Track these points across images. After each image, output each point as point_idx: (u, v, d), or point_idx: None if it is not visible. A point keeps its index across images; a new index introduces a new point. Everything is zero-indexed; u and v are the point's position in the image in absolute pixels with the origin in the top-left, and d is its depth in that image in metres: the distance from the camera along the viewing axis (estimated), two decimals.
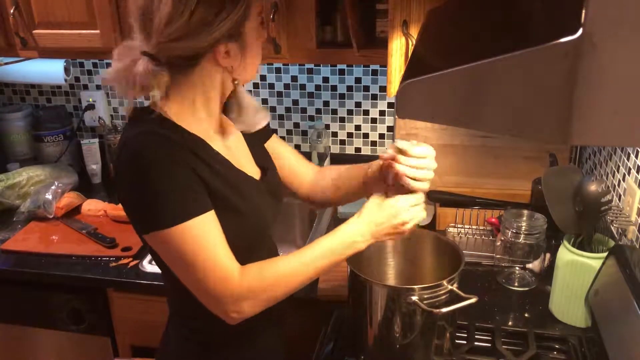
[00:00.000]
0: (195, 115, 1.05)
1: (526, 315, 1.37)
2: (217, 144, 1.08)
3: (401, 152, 1.07)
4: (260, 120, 1.13)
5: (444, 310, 1.07)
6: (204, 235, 0.96)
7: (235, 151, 1.14)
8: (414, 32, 1.30)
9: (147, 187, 0.94)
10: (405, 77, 0.79)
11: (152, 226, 0.96)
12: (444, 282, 1.09)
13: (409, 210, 1.06)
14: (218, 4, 0.94)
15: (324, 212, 1.88)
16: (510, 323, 1.34)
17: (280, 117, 2.10)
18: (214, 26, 0.94)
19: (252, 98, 1.08)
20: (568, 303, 1.31)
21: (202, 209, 0.97)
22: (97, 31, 1.69)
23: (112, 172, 2.18)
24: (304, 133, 2.10)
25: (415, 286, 1.08)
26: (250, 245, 1.10)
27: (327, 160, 2.00)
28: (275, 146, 1.28)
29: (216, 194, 1.01)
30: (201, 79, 1.02)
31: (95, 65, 2.19)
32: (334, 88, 2.02)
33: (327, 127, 2.06)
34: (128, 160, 0.98)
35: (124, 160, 0.99)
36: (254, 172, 1.16)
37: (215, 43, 0.96)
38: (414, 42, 1.28)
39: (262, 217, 1.13)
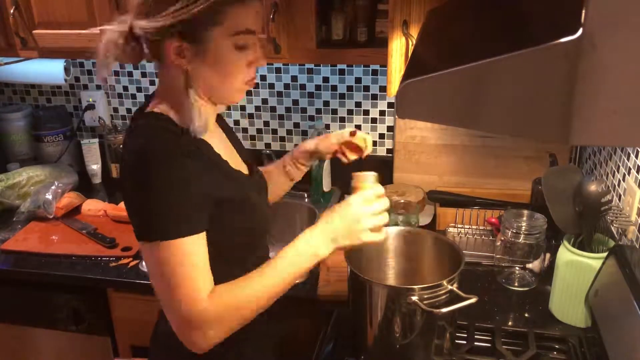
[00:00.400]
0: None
1: (526, 315, 1.37)
2: (215, 144, 1.08)
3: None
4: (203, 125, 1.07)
5: (444, 310, 1.06)
6: (187, 256, 0.95)
7: (225, 148, 1.15)
8: (414, 32, 1.30)
9: (146, 198, 0.95)
10: (405, 77, 0.79)
11: (143, 235, 0.97)
12: (444, 282, 1.09)
13: (367, 211, 1.03)
14: None
15: (323, 212, 1.88)
16: (510, 323, 1.34)
17: (280, 117, 2.10)
18: (164, 11, 0.93)
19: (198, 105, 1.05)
20: (568, 303, 1.31)
21: (193, 230, 0.96)
22: (97, 31, 1.69)
23: (114, 172, 2.19)
24: (304, 133, 2.10)
25: (415, 286, 1.08)
26: (251, 244, 1.12)
27: (327, 160, 2.00)
28: None
29: (223, 196, 1.02)
30: (170, 77, 1.02)
31: (95, 65, 2.18)
32: (334, 88, 2.02)
33: (327, 127, 2.06)
34: (132, 166, 0.98)
35: (128, 165, 0.99)
36: (244, 167, 1.18)
37: (165, 32, 0.95)
38: (414, 42, 1.28)
39: (263, 214, 1.15)
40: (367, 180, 1.08)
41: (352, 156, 1.33)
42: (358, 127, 2.05)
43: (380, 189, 1.07)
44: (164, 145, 0.98)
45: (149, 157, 0.95)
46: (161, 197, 0.94)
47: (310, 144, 1.34)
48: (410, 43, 1.31)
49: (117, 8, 1.67)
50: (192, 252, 0.96)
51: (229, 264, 1.05)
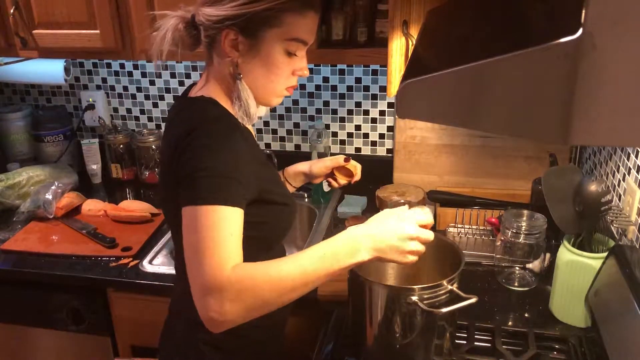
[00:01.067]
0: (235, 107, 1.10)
1: (526, 315, 1.37)
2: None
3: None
4: (255, 115, 1.14)
5: (444, 310, 1.06)
6: (226, 224, 0.95)
7: None
8: (414, 32, 1.30)
9: (200, 165, 0.97)
10: (405, 77, 0.79)
11: (190, 199, 0.96)
12: (444, 282, 1.09)
13: (418, 234, 1.03)
14: None
15: (324, 213, 1.88)
16: (510, 323, 1.34)
17: (280, 117, 2.10)
18: (229, 3, 1.00)
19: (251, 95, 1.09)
20: (568, 303, 1.31)
21: (236, 202, 0.97)
22: (97, 31, 1.69)
23: (114, 172, 2.18)
24: (304, 133, 2.10)
25: (415, 286, 1.08)
26: (280, 237, 1.20)
27: None
28: None
29: (263, 186, 1.08)
30: (220, 67, 1.08)
31: (95, 65, 2.19)
32: (334, 88, 2.02)
33: (327, 127, 2.07)
34: (189, 136, 1.00)
35: (182, 135, 1.01)
36: None
37: (225, 21, 1.01)
38: (414, 42, 1.28)
39: (295, 210, 1.22)
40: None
41: (343, 180, 1.41)
42: (358, 127, 2.05)
43: (432, 221, 1.08)
44: (223, 122, 1.04)
45: (209, 129, 1.00)
46: (214, 166, 0.97)
47: (304, 166, 1.41)
48: (410, 43, 1.30)
49: (117, 8, 1.67)
50: (231, 222, 0.96)
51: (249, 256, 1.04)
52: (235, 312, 0.93)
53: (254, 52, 1.04)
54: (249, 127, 1.18)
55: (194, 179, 0.97)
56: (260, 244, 1.13)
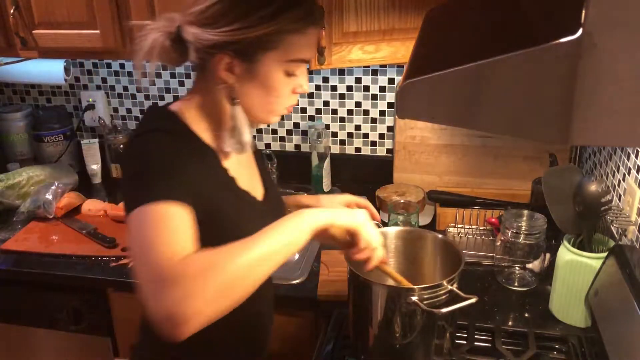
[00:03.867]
0: (211, 124, 1.03)
1: (526, 315, 1.37)
2: (228, 158, 1.05)
3: None
4: (248, 144, 1.04)
5: (444, 310, 1.06)
6: (166, 220, 0.85)
7: (246, 169, 1.11)
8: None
9: (132, 170, 0.92)
10: (406, 77, 0.79)
11: (127, 207, 0.88)
12: (444, 282, 1.09)
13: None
14: (242, 10, 0.92)
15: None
16: (510, 323, 1.35)
17: (281, 117, 2.09)
18: (222, 27, 0.92)
19: (247, 124, 1.02)
20: (568, 303, 1.31)
21: (172, 196, 0.87)
22: (97, 31, 1.69)
23: (114, 172, 2.19)
24: (304, 133, 2.10)
25: (415, 286, 1.08)
26: None
27: (327, 160, 2.00)
28: None
29: (214, 207, 0.98)
30: (213, 86, 0.99)
31: (95, 65, 2.19)
32: (334, 88, 2.02)
33: (327, 127, 2.06)
34: (132, 156, 0.96)
35: (129, 155, 0.97)
36: (260, 192, 1.14)
37: (218, 46, 0.93)
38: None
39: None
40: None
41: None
42: (358, 127, 2.05)
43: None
44: (170, 141, 0.95)
45: (152, 149, 0.93)
46: (147, 167, 0.90)
47: (309, 200, 1.31)
48: None
49: (117, 8, 1.67)
50: (173, 217, 0.85)
51: None
52: (189, 296, 0.78)
53: (251, 75, 0.96)
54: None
55: (127, 187, 0.91)
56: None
